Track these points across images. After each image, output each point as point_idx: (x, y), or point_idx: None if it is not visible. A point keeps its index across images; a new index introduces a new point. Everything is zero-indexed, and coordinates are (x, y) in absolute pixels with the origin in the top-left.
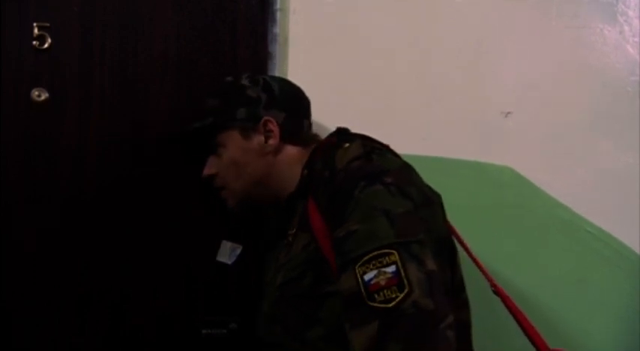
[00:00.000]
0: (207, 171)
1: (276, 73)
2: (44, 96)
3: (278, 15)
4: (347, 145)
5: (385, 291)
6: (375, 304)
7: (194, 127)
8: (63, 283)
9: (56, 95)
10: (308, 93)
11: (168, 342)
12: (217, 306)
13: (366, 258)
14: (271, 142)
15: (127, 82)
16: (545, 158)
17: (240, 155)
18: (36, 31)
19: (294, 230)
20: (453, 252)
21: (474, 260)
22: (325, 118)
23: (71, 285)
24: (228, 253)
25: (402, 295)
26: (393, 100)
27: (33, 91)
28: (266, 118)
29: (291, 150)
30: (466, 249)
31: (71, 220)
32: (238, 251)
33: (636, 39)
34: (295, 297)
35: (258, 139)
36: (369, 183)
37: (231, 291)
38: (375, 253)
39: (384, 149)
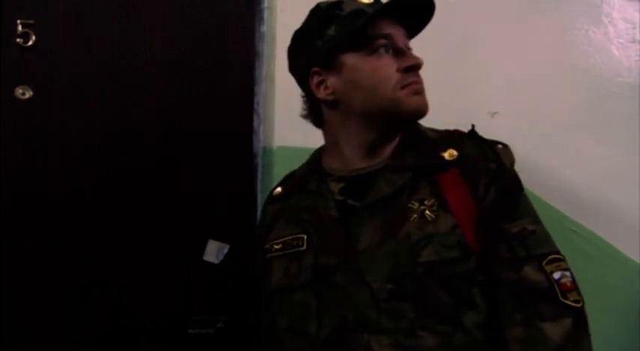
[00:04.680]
0: (419, 61)
1: (264, 72)
2: (28, 94)
3: (265, 14)
4: (501, 146)
5: (573, 292)
6: (569, 302)
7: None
8: (48, 284)
9: (41, 93)
10: (295, 93)
11: (155, 342)
12: (204, 305)
13: (549, 258)
14: None
15: (115, 79)
16: (531, 158)
17: None
18: (20, 28)
19: (435, 207)
20: None
21: None
22: None
23: (55, 286)
24: (215, 252)
25: (581, 299)
26: None
27: (17, 89)
28: None
29: None
30: None
31: (57, 219)
32: (225, 250)
33: (621, 40)
34: (453, 278)
35: None
36: (524, 191)
37: (218, 290)
38: (555, 256)
39: None
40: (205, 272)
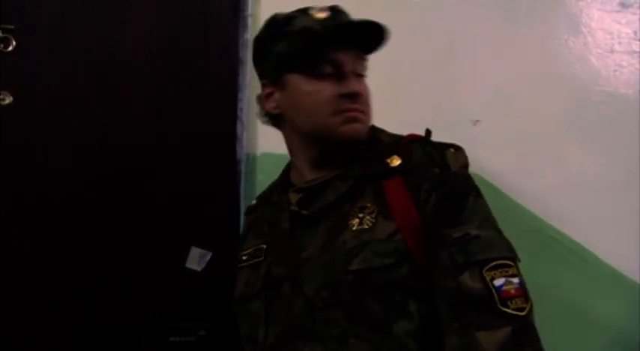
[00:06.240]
0: (359, 88)
1: (247, 78)
2: (8, 100)
3: (249, 21)
4: (453, 150)
5: (516, 300)
6: (509, 311)
7: (378, 23)
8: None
9: (21, 99)
10: None
11: (136, 349)
12: (186, 313)
13: (492, 264)
14: None
15: (96, 85)
16: (511, 164)
17: None
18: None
19: (374, 214)
20: None
21: None
22: None
23: (39, 292)
24: (197, 259)
25: (528, 306)
26: None
27: None
28: None
29: None
30: None
31: (37, 224)
32: (208, 258)
33: (600, 50)
34: (386, 286)
35: None
36: (478, 194)
37: (200, 298)
38: (500, 262)
39: None
40: (187, 279)
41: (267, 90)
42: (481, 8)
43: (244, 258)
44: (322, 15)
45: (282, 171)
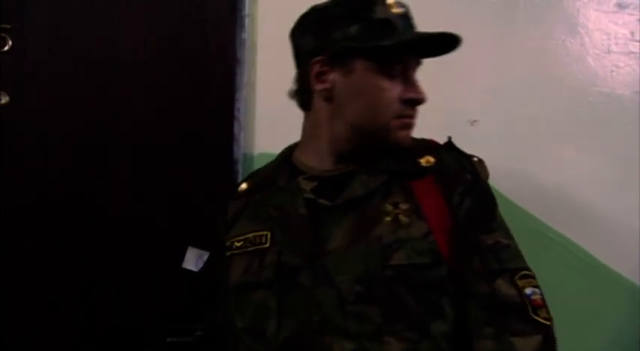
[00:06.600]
0: (425, 97)
1: (245, 79)
2: (5, 99)
3: (246, 21)
4: (476, 160)
5: (544, 309)
6: (540, 319)
7: (458, 37)
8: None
9: (18, 98)
10: (277, 100)
11: (133, 350)
12: (183, 313)
13: (522, 273)
14: None
15: (94, 85)
16: (509, 165)
17: None
18: None
19: (409, 213)
20: None
21: None
22: (294, 126)
23: (39, 292)
24: (194, 260)
25: (551, 318)
26: None
27: None
28: None
29: None
30: None
31: (37, 224)
32: (204, 258)
33: (597, 51)
34: (424, 285)
35: None
36: (497, 205)
37: (198, 298)
38: (526, 272)
39: None
40: (184, 279)
41: (320, 68)
42: (479, 9)
43: (237, 244)
44: (398, 10)
45: (282, 155)
